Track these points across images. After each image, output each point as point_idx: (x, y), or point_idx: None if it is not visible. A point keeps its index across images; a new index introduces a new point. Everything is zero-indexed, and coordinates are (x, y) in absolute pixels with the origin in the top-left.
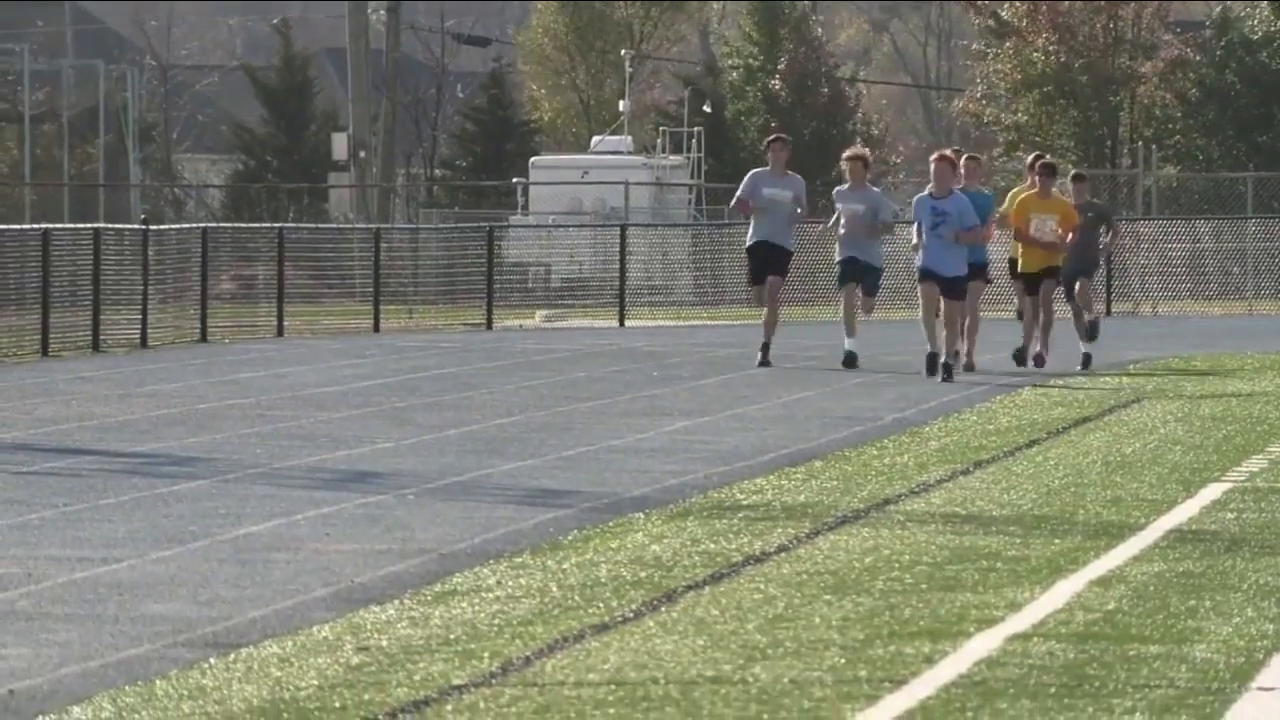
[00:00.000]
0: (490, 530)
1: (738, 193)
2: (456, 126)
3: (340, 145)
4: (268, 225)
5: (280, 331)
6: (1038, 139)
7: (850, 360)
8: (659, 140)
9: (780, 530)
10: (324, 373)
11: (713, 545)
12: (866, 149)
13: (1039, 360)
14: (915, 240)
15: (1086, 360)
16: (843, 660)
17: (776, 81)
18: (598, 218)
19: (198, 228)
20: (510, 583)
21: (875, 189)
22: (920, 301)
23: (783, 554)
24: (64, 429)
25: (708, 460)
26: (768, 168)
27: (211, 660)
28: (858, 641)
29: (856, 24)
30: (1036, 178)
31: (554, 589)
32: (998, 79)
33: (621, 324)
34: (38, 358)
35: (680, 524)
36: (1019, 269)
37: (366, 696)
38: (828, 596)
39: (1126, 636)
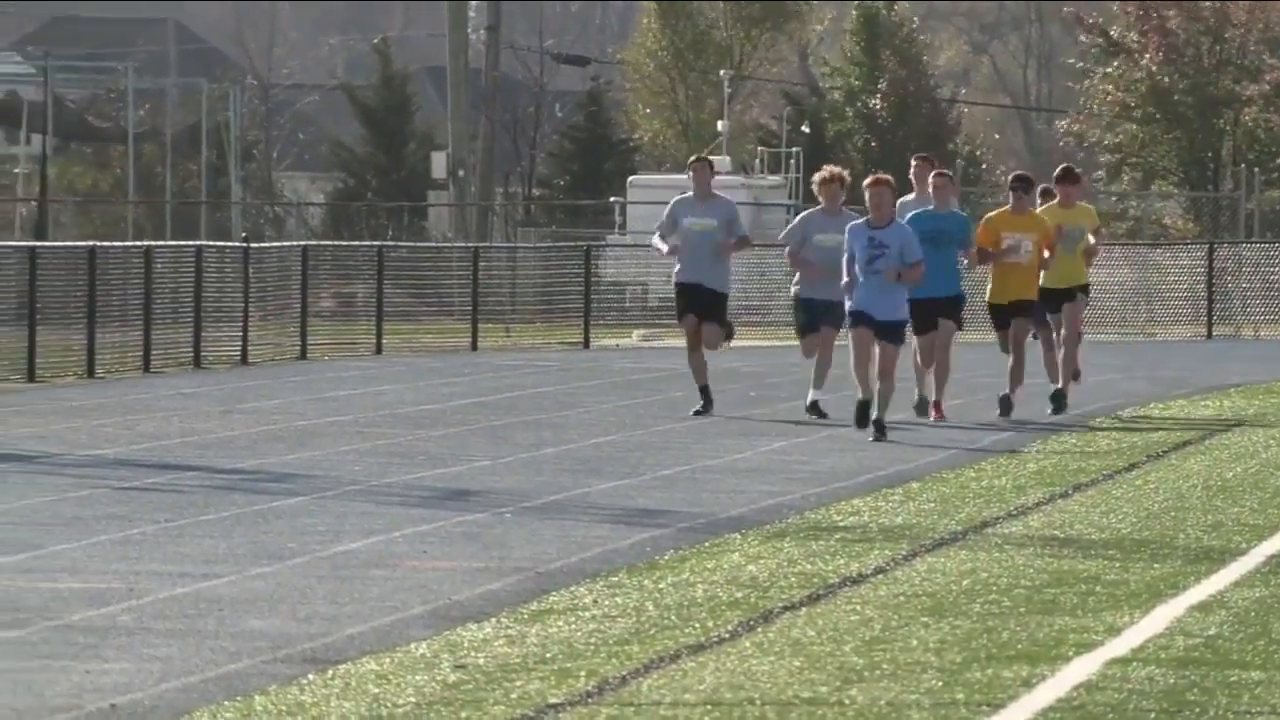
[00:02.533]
0: (587, 549)
1: (656, 226)
2: (554, 145)
3: (439, 164)
4: (367, 243)
5: (379, 349)
6: (1139, 160)
7: (815, 410)
8: (757, 160)
9: (877, 552)
10: (422, 391)
11: (809, 566)
12: (843, 170)
13: (1005, 405)
14: (845, 278)
15: (1057, 401)
16: (940, 683)
17: (877, 101)
18: None
19: (298, 245)
20: (606, 602)
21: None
22: (850, 349)
23: (880, 576)
24: (165, 445)
25: (804, 481)
26: (690, 194)
27: (310, 676)
28: (955, 664)
29: (956, 45)
30: (1009, 193)
31: (650, 608)
32: (1101, 99)
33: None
34: (140, 374)
35: (777, 544)
36: (987, 298)
37: (464, 715)
38: (925, 619)
39: (1227, 662)
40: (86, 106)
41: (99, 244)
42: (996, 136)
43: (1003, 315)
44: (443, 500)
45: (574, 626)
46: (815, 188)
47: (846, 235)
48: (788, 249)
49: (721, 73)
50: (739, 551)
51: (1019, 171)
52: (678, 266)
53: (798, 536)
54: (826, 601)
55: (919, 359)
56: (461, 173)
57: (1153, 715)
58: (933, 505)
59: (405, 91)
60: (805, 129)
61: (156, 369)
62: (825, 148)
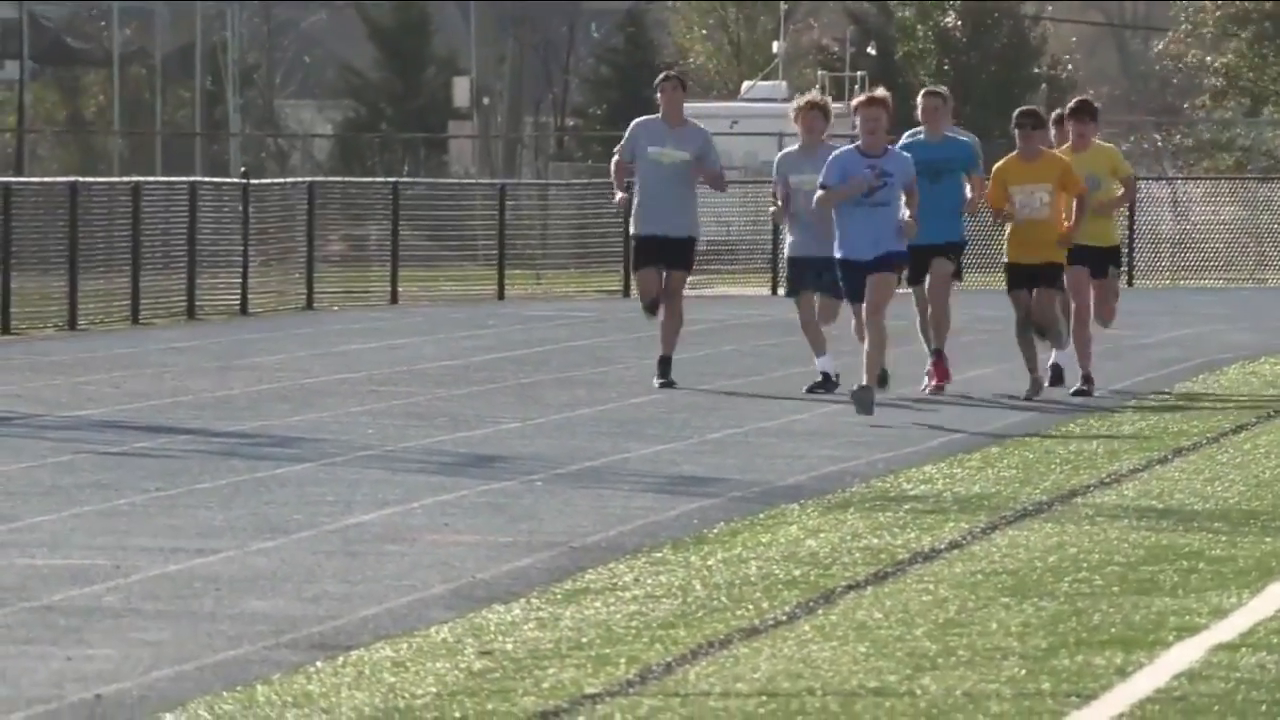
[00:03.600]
0: (626, 522)
1: (615, 152)
2: (590, 70)
3: (461, 91)
4: (381, 180)
5: (394, 298)
6: (1248, 84)
7: (826, 384)
8: (818, 85)
9: (952, 524)
10: (442, 345)
11: (876, 540)
12: (826, 97)
13: (1035, 387)
14: (812, 204)
15: (1056, 374)
16: (1023, 671)
17: (951, 19)
18: (747, 173)
19: (303, 182)
20: (649, 581)
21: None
22: (856, 314)
23: (955, 551)
24: (156, 405)
25: (870, 445)
26: (657, 114)
27: (318, 664)
28: (1040, 650)
29: None
30: (1015, 131)
31: (698, 588)
32: (1206, 15)
33: (774, 292)
34: (128, 325)
35: (839, 516)
36: (1006, 258)
37: (490, 706)
38: (1005, 599)
39: None
40: (65, 26)
41: (80, 179)
42: (1080, 57)
43: (1022, 278)
44: (465, 467)
45: (612, 608)
46: (792, 115)
47: (829, 162)
48: (775, 205)
49: None
50: (797, 524)
51: (1025, 106)
52: (635, 209)
53: (863, 507)
54: (895, 580)
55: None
56: (486, 101)
57: (1264, 707)
58: (1014, 472)
59: (423, 9)
60: (871, 50)
61: (146, 320)
62: (893, 71)
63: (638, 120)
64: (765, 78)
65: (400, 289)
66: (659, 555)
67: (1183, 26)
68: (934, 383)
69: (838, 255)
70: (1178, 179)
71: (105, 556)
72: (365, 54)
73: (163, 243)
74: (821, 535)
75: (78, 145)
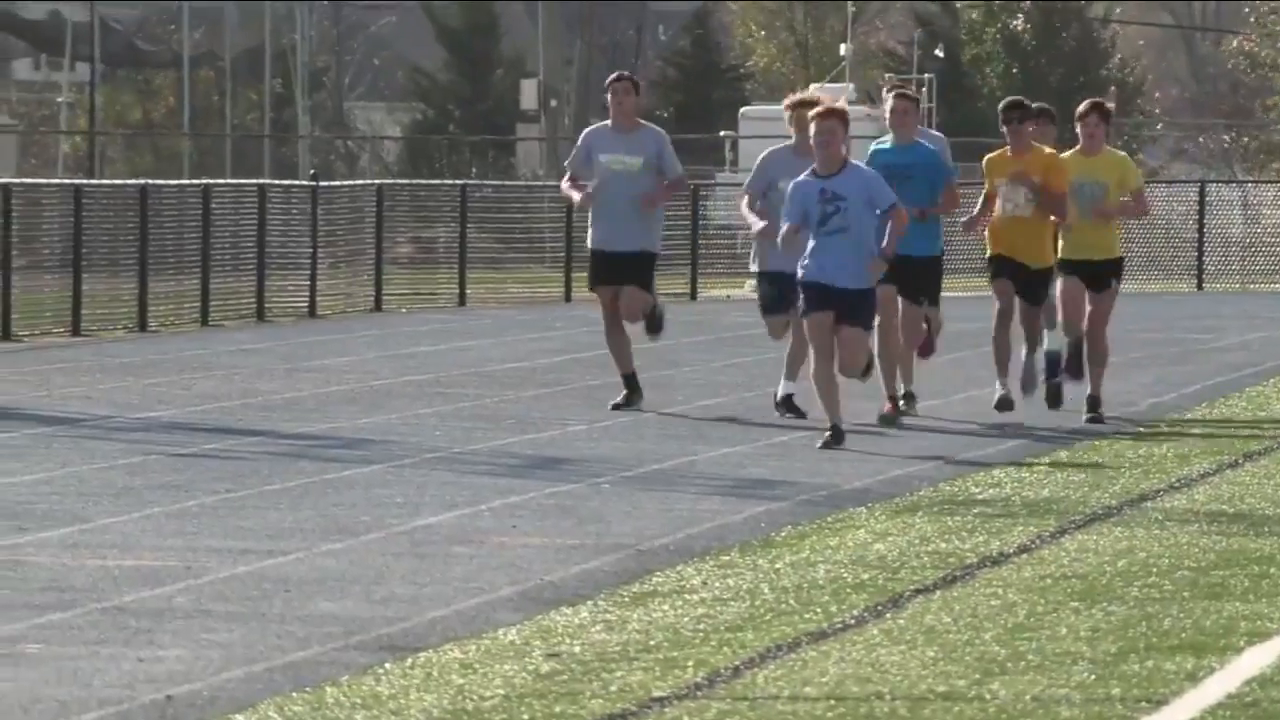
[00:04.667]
0: (694, 524)
1: (566, 164)
2: (657, 72)
3: (530, 93)
4: (449, 182)
5: (462, 300)
6: None
7: (788, 404)
8: (885, 89)
9: (1021, 529)
10: (510, 347)
11: (944, 544)
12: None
13: (1003, 404)
14: (783, 230)
15: (1054, 393)
16: (1092, 677)
17: (1019, 21)
18: None
19: (372, 184)
20: (717, 584)
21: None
22: (808, 340)
23: (1024, 555)
24: (225, 406)
25: (938, 449)
26: (608, 121)
27: (387, 665)
28: (1110, 655)
29: None
30: (1003, 127)
31: (765, 591)
32: (1277, 17)
33: None
34: (197, 327)
35: (907, 520)
36: (988, 251)
37: (558, 709)
38: (1075, 604)
39: None
40: (135, 29)
41: (150, 182)
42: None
43: (1007, 269)
44: (533, 469)
45: (680, 611)
46: (785, 113)
47: (789, 193)
48: (744, 202)
49: None
50: (865, 528)
51: (1011, 96)
52: (591, 222)
53: (931, 511)
54: (964, 584)
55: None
56: (554, 103)
57: None
58: (1083, 476)
59: (491, 11)
60: (939, 53)
61: (215, 322)
62: (961, 74)
63: (588, 129)
64: (833, 79)
65: (468, 291)
66: (726, 558)
67: (1253, 26)
68: (887, 409)
69: (801, 275)
70: (1248, 182)
71: (176, 557)
72: (434, 56)
73: (232, 245)
74: (889, 539)
75: (148, 147)
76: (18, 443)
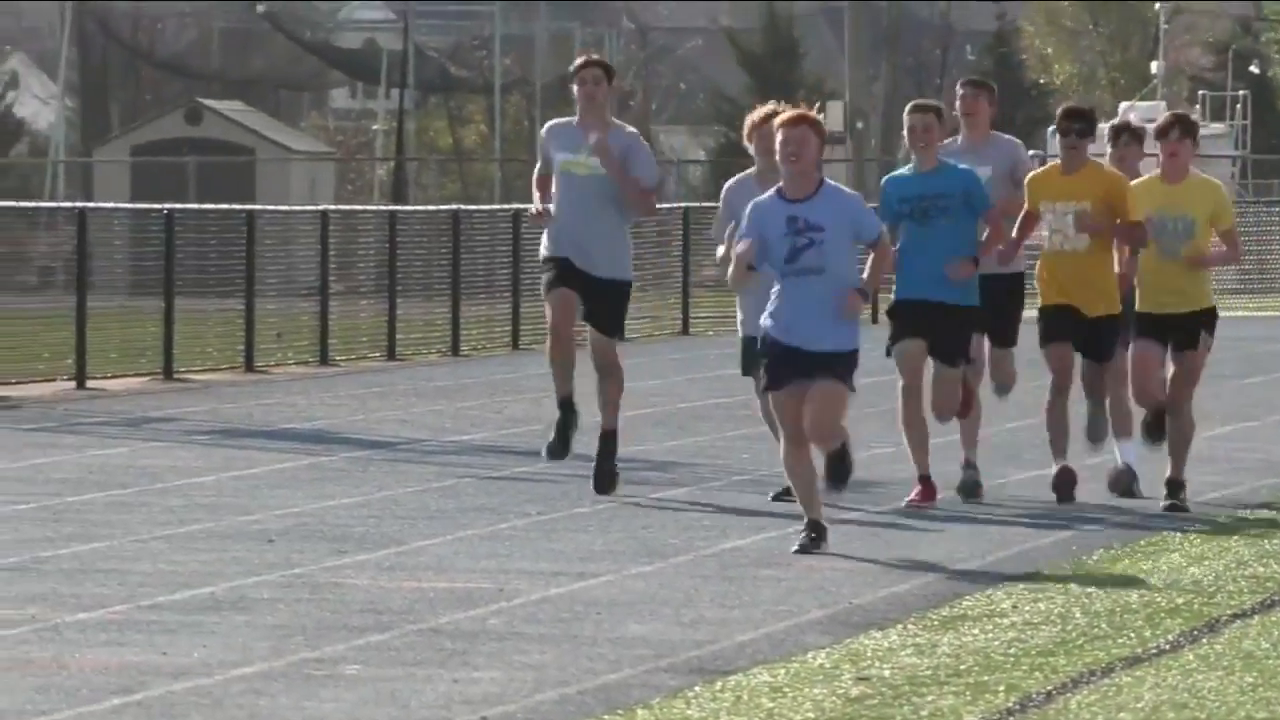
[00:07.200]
0: (1005, 547)
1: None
2: None
3: (834, 115)
4: None
5: None
6: None
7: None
8: (1197, 106)
9: None
10: None
11: (1262, 568)
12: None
13: (1063, 487)
14: (739, 246)
15: (1120, 480)
16: None
17: None
18: None
19: (679, 207)
20: (1028, 607)
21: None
22: (778, 415)
23: None
24: (536, 429)
25: (1255, 471)
26: (573, 118)
27: (697, 688)
28: None
29: None
30: (1058, 138)
31: (1078, 615)
32: None
33: None
34: (508, 351)
35: (1224, 543)
36: (1040, 300)
37: None
38: None
39: None
40: (449, 55)
41: (462, 207)
42: None
43: (1062, 327)
44: (842, 493)
45: (991, 635)
46: (745, 134)
47: (746, 213)
48: (718, 251)
49: (1157, 6)
50: (1179, 551)
51: (1069, 104)
52: (546, 234)
53: (1248, 534)
54: None
55: (906, 408)
56: (860, 125)
57: None
58: None
59: (792, 34)
60: (1254, 69)
61: (526, 345)
62: (1272, 92)
63: (550, 123)
64: (1143, 98)
65: None
66: (1037, 582)
67: None
68: (919, 497)
69: (763, 329)
70: None
71: (489, 580)
72: (737, 80)
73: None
74: (1205, 563)
75: (460, 173)
76: (336, 466)
